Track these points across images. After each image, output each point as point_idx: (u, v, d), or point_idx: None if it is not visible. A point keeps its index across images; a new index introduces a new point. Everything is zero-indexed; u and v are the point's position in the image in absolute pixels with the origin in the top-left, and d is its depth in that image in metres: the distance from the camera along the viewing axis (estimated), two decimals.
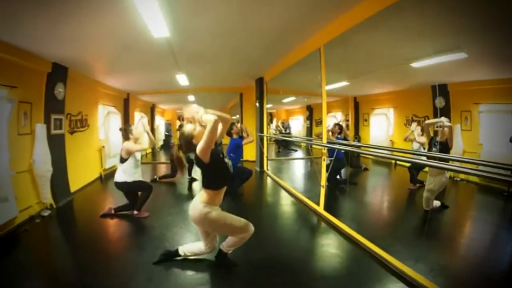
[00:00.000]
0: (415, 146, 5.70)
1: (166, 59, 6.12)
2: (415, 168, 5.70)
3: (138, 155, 5.29)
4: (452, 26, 3.65)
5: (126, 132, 5.16)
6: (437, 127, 6.19)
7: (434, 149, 4.23)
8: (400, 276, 3.22)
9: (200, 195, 3.23)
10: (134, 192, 5.27)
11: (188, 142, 3.19)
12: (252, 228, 3.39)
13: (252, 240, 4.34)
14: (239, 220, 3.33)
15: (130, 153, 5.05)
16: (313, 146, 10.72)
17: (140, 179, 5.27)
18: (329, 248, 4.22)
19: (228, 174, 3.27)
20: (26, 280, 3.19)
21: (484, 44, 3.70)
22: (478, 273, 3.30)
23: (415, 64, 4.72)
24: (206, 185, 3.18)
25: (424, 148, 5.52)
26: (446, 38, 3.88)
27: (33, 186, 5.19)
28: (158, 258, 3.56)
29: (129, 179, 5.08)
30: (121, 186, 5.13)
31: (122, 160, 5.08)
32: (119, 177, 5.09)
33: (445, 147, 4.03)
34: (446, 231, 4.58)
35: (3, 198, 4.18)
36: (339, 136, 7.28)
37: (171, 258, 3.57)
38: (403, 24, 4.05)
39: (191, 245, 3.62)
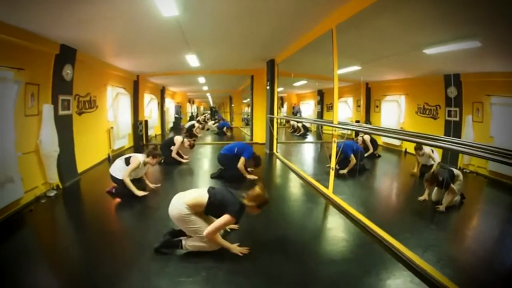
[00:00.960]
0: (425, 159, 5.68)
1: (176, 39, 6.01)
2: None
3: (140, 173, 5.46)
4: (467, 13, 3.50)
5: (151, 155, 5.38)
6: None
7: None
8: (408, 265, 3.15)
9: (189, 198, 3.33)
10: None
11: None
12: (218, 246, 3.42)
13: (259, 222, 4.35)
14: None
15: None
16: (324, 131, 10.67)
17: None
18: (337, 231, 4.17)
19: None
20: (29, 260, 3.18)
21: (499, 35, 3.55)
22: (487, 267, 3.22)
23: (428, 51, 4.59)
24: (211, 206, 3.31)
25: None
26: (460, 25, 3.74)
27: (39, 167, 5.19)
28: (159, 244, 3.44)
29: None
30: (116, 181, 5.23)
31: (128, 163, 5.21)
32: (118, 173, 5.19)
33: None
34: (455, 223, 4.52)
35: (8, 179, 4.17)
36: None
37: (172, 247, 3.47)
38: (418, 8, 3.91)
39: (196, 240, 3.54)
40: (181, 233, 3.49)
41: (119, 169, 5.19)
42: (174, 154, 7.92)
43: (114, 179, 5.21)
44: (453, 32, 3.79)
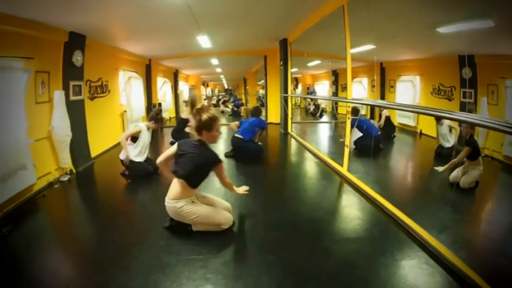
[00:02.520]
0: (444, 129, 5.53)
1: (186, 20, 5.93)
2: None
3: (147, 140, 5.42)
4: None
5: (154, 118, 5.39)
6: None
7: None
8: (423, 245, 3.09)
9: (172, 192, 3.28)
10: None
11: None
12: (227, 223, 3.40)
13: (273, 199, 4.34)
14: (213, 216, 3.35)
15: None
16: (339, 111, 10.56)
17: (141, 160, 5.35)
18: (351, 210, 4.15)
19: None
20: (42, 243, 3.26)
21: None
22: (503, 252, 3.13)
23: (441, 29, 4.46)
24: (190, 182, 3.24)
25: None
26: (472, 3, 3.58)
27: (52, 152, 5.27)
28: (169, 224, 3.47)
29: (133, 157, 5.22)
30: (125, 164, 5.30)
31: (132, 138, 5.24)
32: (124, 154, 5.24)
33: None
34: (471, 205, 4.44)
35: (21, 166, 4.24)
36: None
37: (182, 226, 3.43)
38: None
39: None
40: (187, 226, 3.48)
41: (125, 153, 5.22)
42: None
43: (123, 162, 5.27)
44: (465, 11, 3.64)
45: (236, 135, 6.62)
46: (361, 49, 7.04)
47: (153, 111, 5.56)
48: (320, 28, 6.49)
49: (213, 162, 3.22)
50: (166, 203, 3.29)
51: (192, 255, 2.97)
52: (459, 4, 3.64)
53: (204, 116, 3.13)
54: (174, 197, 3.22)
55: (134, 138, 5.23)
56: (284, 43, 9.44)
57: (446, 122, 5.47)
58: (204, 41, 8.11)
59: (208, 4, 5.14)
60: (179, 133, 8.07)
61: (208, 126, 3.16)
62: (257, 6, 5.52)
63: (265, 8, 5.68)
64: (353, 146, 7.00)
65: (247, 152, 6.45)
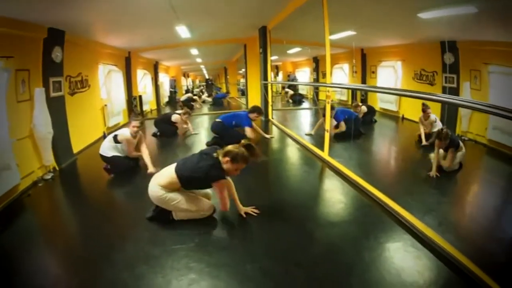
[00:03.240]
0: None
1: (164, 10, 5.83)
2: None
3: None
4: None
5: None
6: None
7: None
8: (408, 228, 3.12)
9: (161, 179, 3.26)
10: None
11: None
12: (208, 210, 3.42)
13: (256, 185, 4.38)
14: (194, 202, 3.36)
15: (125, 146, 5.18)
16: (320, 98, 10.63)
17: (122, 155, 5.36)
18: (334, 194, 4.22)
19: None
20: (29, 243, 3.22)
21: (495, 2, 3.44)
22: (489, 235, 3.21)
23: (423, 15, 4.50)
24: (185, 184, 3.25)
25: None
26: None
27: (34, 151, 5.16)
28: (151, 214, 3.46)
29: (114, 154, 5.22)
30: (107, 160, 5.26)
31: (116, 140, 5.18)
32: (108, 152, 5.21)
33: None
34: (456, 189, 4.53)
35: (5, 166, 4.14)
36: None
37: (164, 216, 3.43)
38: None
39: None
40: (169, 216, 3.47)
41: (108, 148, 5.19)
42: (181, 133, 8.13)
43: (105, 158, 5.22)
44: None
45: (217, 119, 6.65)
46: (342, 35, 7.08)
47: (137, 120, 5.38)
48: (299, 15, 6.49)
49: (214, 179, 3.17)
50: (150, 186, 3.28)
51: (176, 245, 2.99)
52: None
53: (244, 152, 3.18)
54: (160, 184, 3.22)
55: (116, 139, 5.18)
56: (263, 31, 9.43)
57: (432, 118, 5.48)
58: (183, 32, 8.00)
59: None
60: (162, 123, 8.14)
61: (240, 160, 3.15)
62: None
63: None
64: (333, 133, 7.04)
65: (227, 138, 6.38)
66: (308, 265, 2.66)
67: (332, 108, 5.67)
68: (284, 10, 7.00)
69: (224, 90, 22.90)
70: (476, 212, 3.76)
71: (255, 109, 6.71)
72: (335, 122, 6.95)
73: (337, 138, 6.79)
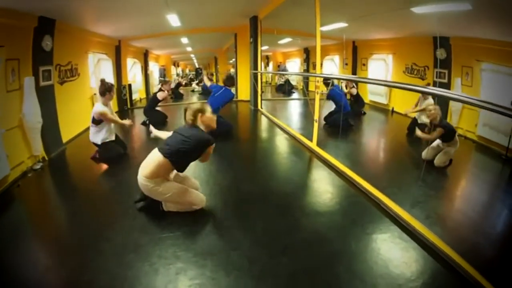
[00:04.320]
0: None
1: None
2: None
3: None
4: None
5: (104, 88, 5.22)
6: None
7: None
8: (395, 220, 3.19)
9: (147, 170, 3.19)
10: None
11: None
12: (199, 204, 3.42)
13: (244, 175, 4.44)
14: (186, 195, 3.36)
15: (103, 119, 5.13)
16: (310, 88, 10.66)
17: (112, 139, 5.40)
18: (321, 183, 4.29)
19: None
20: (20, 233, 3.20)
21: (492, 1, 3.48)
22: (477, 229, 3.26)
23: (416, 10, 4.52)
24: (176, 160, 3.19)
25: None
26: None
27: (24, 141, 5.09)
28: (143, 204, 3.49)
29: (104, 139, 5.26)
30: (97, 145, 5.32)
31: (95, 121, 5.17)
32: (93, 137, 5.27)
33: None
34: (444, 182, 4.59)
35: None
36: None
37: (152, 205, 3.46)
38: None
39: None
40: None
41: (93, 134, 5.25)
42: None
43: (96, 145, 5.29)
44: None
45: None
46: (333, 27, 7.08)
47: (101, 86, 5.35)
48: (291, 5, 6.47)
49: (207, 142, 3.22)
50: (139, 179, 3.25)
51: (164, 234, 3.02)
52: None
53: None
54: (148, 175, 3.16)
55: (97, 121, 5.17)
56: (254, 20, 9.44)
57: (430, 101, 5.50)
58: (173, 20, 7.97)
59: None
60: (151, 111, 8.15)
61: (203, 110, 3.28)
62: None
63: None
64: (323, 122, 7.06)
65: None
66: (295, 253, 2.72)
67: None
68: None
69: (214, 79, 22.79)
70: (463, 206, 3.84)
71: (229, 81, 6.82)
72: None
73: (328, 125, 6.86)
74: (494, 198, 4.09)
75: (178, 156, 3.16)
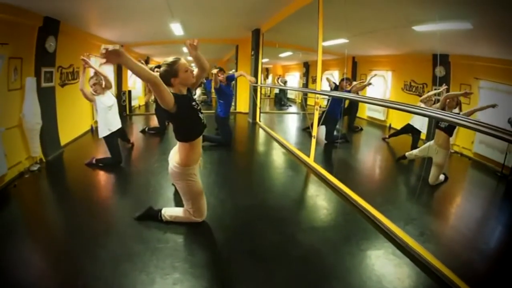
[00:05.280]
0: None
1: (160, 6, 5.90)
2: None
3: (108, 101, 5.33)
4: None
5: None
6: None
7: None
8: (390, 236, 3.23)
9: (175, 153, 3.09)
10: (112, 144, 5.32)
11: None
12: (201, 217, 3.35)
13: (241, 188, 4.50)
14: (201, 200, 3.29)
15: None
16: (308, 102, 10.72)
17: (119, 126, 5.39)
18: (318, 199, 4.31)
19: (199, 124, 2.99)
20: (14, 235, 3.20)
21: (491, 21, 3.56)
22: (470, 246, 3.30)
23: (418, 28, 4.61)
24: (177, 137, 3.00)
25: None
26: (453, 5, 3.73)
27: (22, 141, 5.11)
28: (140, 213, 3.47)
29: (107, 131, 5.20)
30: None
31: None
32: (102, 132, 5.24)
33: None
34: (438, 199, 4.61)
35: None
36: (347, 89, 7.13)
37: (152, 217, 3.44)
38: None
39: (175, 209, 3.47)
40: (158, 216, 3.44)
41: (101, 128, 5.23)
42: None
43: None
44: (445, 11, 3.79)
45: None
46: (334, 42, 7.15)
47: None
48: (293, 20, 6.56)
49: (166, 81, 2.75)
50: (170, 167, 3.11)
51: (160, 244, 3.02)
52: (438, 4, 3.80)
53: (162, 68, 2.88)
54: (177, 161, 3.04)
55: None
56: (256, 33, 9.54)
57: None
58: (177, 29, 8.04)
59: None
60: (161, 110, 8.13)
61: (173, 72, 2.85)
62: None
63: None
64: (324, 141, 7.06)
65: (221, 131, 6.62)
66: (293, 267, 2.74)
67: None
68: (279, 13, 7.10)
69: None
70: (457, 223, 3.88)
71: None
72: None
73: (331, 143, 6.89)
74: (489, 214, 4.14)
75: (176, 125, 2.97)
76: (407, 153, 4.98)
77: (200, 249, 2.97)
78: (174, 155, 3.11)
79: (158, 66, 6.78)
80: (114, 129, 5.26)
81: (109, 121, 5.22)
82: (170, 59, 2.90)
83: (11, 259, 2.78)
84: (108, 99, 5.30)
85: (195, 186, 3.16)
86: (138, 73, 2.36)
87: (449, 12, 3.76)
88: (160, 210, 3.44)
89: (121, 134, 5.58)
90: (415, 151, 4.85)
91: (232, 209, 3.81)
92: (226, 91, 6.63)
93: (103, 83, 5.20)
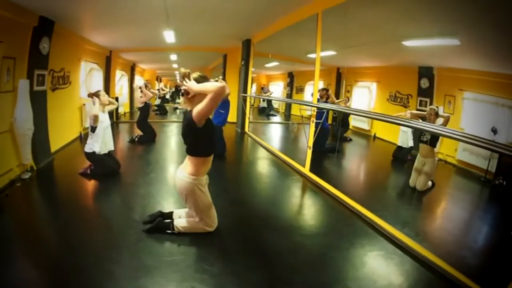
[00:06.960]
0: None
1: (157, 12, 5.89)
2: None
3: (106, 121, 5.25)
4: (450, 11, 3.73)
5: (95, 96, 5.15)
6: None
7: None
8: (389, 238, 3.48)
9: (186, 165, 3.15)
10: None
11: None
12: (213, 226, 3.41)
13: (239, 198, 4.57)
14: (211, 209, 3.37)
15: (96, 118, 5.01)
16: (292, 112, 10.88)
17: (111, 148, 5.39)
18: (316, 207, 4.50)
19: (215, 140, 3.24)
20: (9, 248, 3.08)
21: (478, 37, 3.80)
22: (462, 244, 3.61)
23: (407, 43, 4.84)
24: (193, 152, 3.08)
25: None
26: (442, 22, 3.97)
27: (13, 147, 4.91)
28: (150, 226, 3.41)
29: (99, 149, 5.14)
30: (90, 158, 5.16)
31: (92, 129, 5.06)
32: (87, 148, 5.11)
33: None
34: (429, 204, 4.89)
35: None
36: (326, 101, 7.30)
37: (163, 228, 3.40)
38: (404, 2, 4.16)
39: (189, 220, 3.43)
40: (169, 227, 3.41)
41: (88, 144, 5.12)
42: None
43: (88, 157, 5.14)
44: (434, 28, 4.04)
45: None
46: (323, 54, 7.35)
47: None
48: (286, 32, 6.71)
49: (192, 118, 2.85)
50: (181, 178, 3.14)
51: (173, 256, 3.01)
52: (428, 22, 4.05)
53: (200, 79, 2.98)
54: (190, 172, 3.10)
55: (92, 127, 5.04)
56: (247, 43, 9.63)
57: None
58: (169, 36, 8.01)
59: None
60: (145, 123, 8.21)
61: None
62: (228, 5, 5.68)
63: (235, 7, 5.85)
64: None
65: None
66: (305, 271, 2.90)
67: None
68: (272, 25, 7.28)
69: None
70: (447, 224, 4.18)
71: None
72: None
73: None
74: (475, 216, 4.46)
75: (190, 142, 3.08)
76: (411, 184, 4.98)
77: (215, 261, 2.97)
78: (183, 169, 3.17)
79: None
80: (106, 151, 5.31)
81: (105, 141, 5.24)
82: (199, 73, 3.02)
83: (10, 276, 2.66)
84: (106, 119, 5.26)
85: (206, 197, 3.25)
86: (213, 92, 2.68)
87: (438, 29, 4.01)
88: (171, 222, 3.41)
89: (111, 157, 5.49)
90: (412, 176, 4.94)
91: (234, 219, 3.84)
92: (227, 101, 6.73)
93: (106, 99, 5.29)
